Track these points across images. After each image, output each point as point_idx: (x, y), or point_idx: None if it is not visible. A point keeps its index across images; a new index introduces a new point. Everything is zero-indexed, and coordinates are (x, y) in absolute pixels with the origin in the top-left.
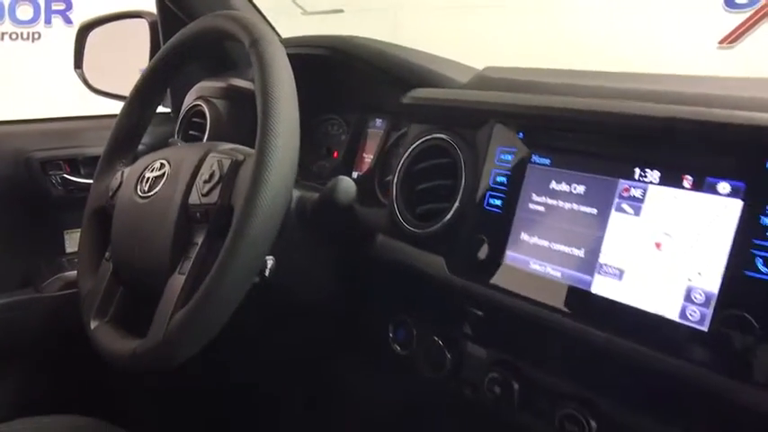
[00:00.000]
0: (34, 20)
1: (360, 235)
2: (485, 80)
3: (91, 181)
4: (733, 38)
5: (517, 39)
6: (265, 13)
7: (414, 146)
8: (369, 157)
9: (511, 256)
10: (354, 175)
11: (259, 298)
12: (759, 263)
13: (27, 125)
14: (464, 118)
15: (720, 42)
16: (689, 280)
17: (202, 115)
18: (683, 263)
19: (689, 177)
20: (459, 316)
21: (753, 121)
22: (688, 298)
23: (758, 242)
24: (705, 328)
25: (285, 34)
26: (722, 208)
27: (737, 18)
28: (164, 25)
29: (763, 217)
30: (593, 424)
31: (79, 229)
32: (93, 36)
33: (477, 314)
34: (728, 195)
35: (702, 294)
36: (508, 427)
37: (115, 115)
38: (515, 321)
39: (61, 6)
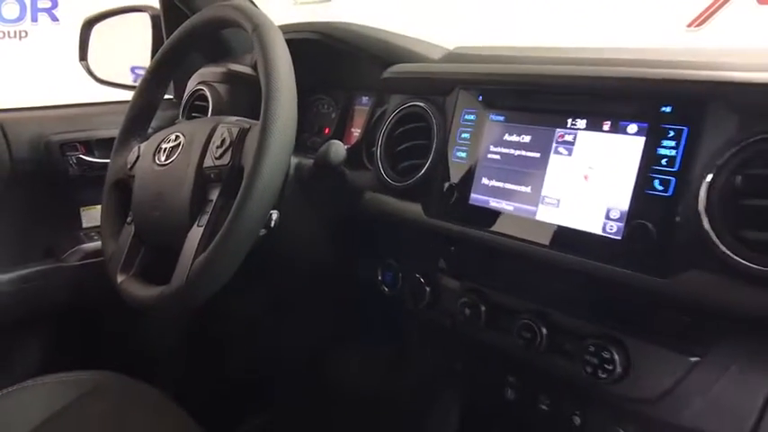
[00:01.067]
0: (20, 18)
1: (350, 194)
2: (453, 56)
3: (104, 161)
4: (700, 21)
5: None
6: (261, 4)
7: (394, 113)
8: (357, 131)
9: (474, 197)
10: (379, 146)
11: (265, 253)
12: (656, 183)
13: (45, 111)
14: (435, 87)
15: (689, 25)
16: (607, 202)
17: (204, 98)
18: (604, 189)
19: (607, 122)
20: (435, 253)
21: (651, 75)
22: (607, 216)
23: (655, 167)
24: (620, 237)
25: (279, 22)
26: (631, 144)
27: (704, 2)
28: (166, 18)
29: (658, 149)
30: (544, 330)
31: (94, 206)
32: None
33: (449, 249)
34: (635, 134)
35: (618, 212)
36: (478, 344)
37: (122, 101)
38: (480, 252)
39: (47, 5)
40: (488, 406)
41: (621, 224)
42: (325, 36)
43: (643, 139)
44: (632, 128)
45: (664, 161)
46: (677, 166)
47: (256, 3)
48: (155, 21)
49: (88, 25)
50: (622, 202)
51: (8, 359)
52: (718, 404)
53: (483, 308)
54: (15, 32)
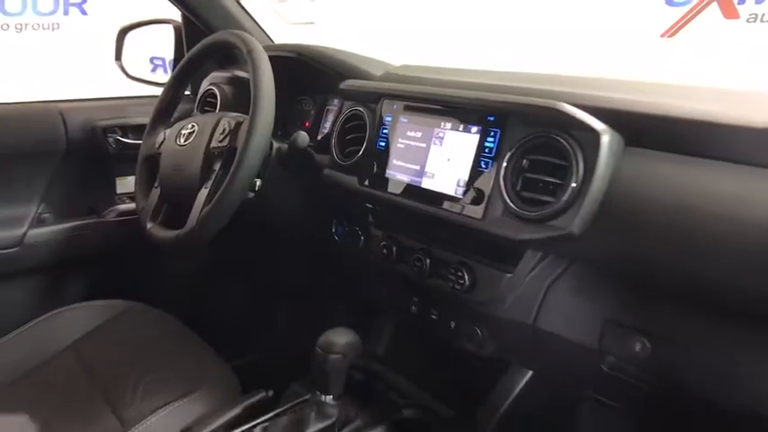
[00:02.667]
0: (54, 11)
1: (316, 169)
2: (388, 75)
3: (136, 142)
4: (673, 30)
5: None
6: (262, 22)
7: (344, 114)
8: (327, 125)
9: (388, 172)
10: (319, 137)
11: (256, 213)
12: (482, 163)
13: (93, 102)
14: (369, 98)
15: (662, 35)
16: (458, 175)
17: (214, 96)
18: (457, 167)
19: (461, 126)
20: (365, 211)
21: (479, 96)
22: (458, 184)
23: (483, 154)
24: (462, 197)
25: (276, 39)
26: (472, 139)
27: (677, 13)
28: (186, 31)
29: (485, 142)
30: (428, 261)
31: (127, 176)
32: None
33: (375, 209)
34: (475, 133)
35: (463, 181)
36: (393, 273)
37: (150, 96)
38: (393, 209)
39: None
40: (402, 318)
41: (464, 188)
42: (300, 55)
43: (478, 136)
44: (474, 129)
45: (487, 150)
46: (494, 153)
47: (258, 22)
48: (177, 32)
49: (123, 33)
50: (466, 175)
51: (59, 288)
52: (521, 299)
53: (394, 248)
54: (49, 24)
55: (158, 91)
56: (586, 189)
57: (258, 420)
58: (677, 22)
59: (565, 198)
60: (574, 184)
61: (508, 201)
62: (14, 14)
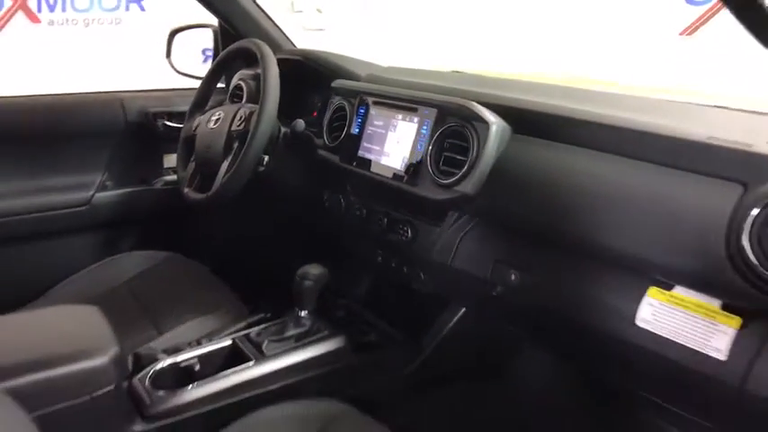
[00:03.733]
0: (116, 7)
1: (312, 150)
2: (370, 76)
3: (178, 125)
4: (692, 29)
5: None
6: (284, 27)
7: (332, 107)
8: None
9: (360, 152)
10: (324, 124)
11: (267, 184)
12: (419, 146)
13: (147, 92)
14: (350, 94)
15: (681, 33)
16: (403, 154)
17: (241, 89)
18: (403, 148)
19: (408, 117)
20: (345, 183)
21: (419, 95)
22: (404, 161)
23: (419, 138)
24: (404, 170)
25: (298, 43)
26: (414, 126)
27: (697, 11)
28: (222, 34)
29: (422, 129)
30: (386, 220)
31: (172, 153)
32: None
33: (352, 181)
34: (415, 123)
35: (406, 158)
36: (367, 231)
37: (190, 89)
38: (364, 182)
39: None
40: (372, 269)
41: (406, 164)
42: (305, 59)
43: (416, 125)
44: (415, 119)
45: (422, 136)
46: (425, 137)
47: (282, 29)
48: (215, 35)
49: (172, 34)
50: (408, 153)
51: (118, 240)
52: (444, 246)
53: (365, 211)
54: (112, 20)
55: (198, 84)
56: (478, 163)
57: (254, 329)
58: (696, 20)
59: (464, 170)
60: (470, 159)
61: (431, 172)
62: (83, 11)
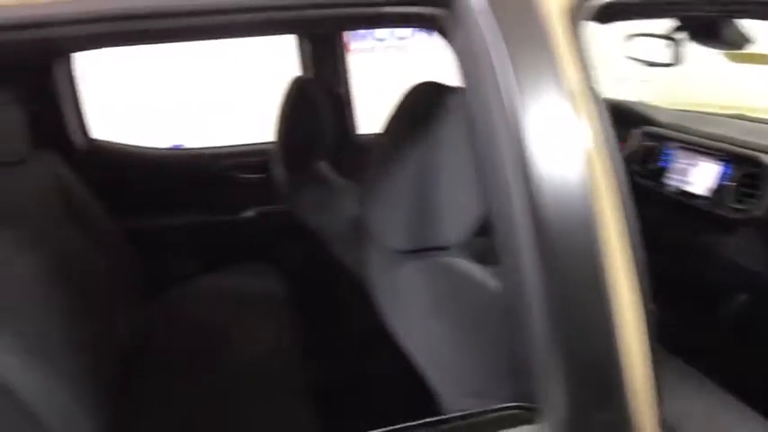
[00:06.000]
0: (408, 36)
1: None
2: (669, 124)
3: None
4: None
5: None
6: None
7: (639, 144)
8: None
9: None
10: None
11: None
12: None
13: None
14: (655, 137)
15: None
16: (707, 184)
17: None
18: (704, 178)
19: (707, 159)
20: None
21: (718, 146)
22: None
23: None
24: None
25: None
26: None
27: None
28: None
29: (722, 171)
30: None
31: None
32: None
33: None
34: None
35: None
36: None
37: None
38: None
39: None
40: None
41: (714, 189)
42: (617, 107)
43: (719, 167)
44: (713, 161)
45: (722, 175)
46: (725, 177)
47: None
48: None
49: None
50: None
51: None
52: None
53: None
54: (402, 45)
55: None
56: None
57: None
58: None
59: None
60: None
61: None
62: (382, 39)
